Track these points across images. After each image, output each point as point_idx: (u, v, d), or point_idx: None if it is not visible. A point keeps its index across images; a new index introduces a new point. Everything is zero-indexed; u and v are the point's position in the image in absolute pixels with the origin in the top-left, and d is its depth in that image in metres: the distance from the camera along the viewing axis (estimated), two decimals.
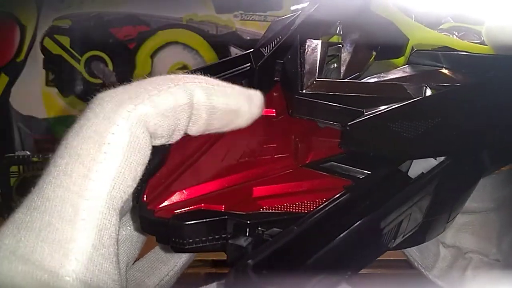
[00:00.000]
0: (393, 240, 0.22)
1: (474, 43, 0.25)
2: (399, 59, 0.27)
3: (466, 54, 0.24)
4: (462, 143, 0.24)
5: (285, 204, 0.22)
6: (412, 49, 0.25)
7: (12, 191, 0.59)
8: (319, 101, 0.23)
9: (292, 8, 0.28)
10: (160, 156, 0.23)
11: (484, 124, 0.24)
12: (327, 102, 0.23)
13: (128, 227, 0.25)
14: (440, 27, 0.27)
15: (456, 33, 0.26)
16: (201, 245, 0.21)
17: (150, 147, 0.19)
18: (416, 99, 0.22)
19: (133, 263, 0.25)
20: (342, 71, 0.25)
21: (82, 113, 0.19)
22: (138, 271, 0.26)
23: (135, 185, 0.19)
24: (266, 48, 0.27)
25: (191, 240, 0.20)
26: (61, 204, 0.17)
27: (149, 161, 0.21)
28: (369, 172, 0.23)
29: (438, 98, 0.23)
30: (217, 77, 0.27)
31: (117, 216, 0.18)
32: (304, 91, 0.24)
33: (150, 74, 0.24)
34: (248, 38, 0.65)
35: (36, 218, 0.17)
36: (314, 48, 0.26)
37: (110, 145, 0.18)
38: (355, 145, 0.23)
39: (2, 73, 0.62)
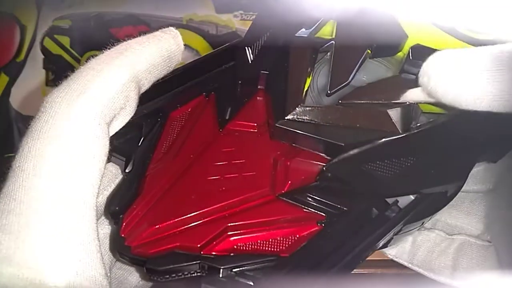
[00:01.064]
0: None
1: None
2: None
3: None
4: (436, 180, 0.23)
5: (259, 241, 0.22)
6: (409, 53, 0.25)
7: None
8: (300, 132, 0.23)
9: None
10: (136, 185, 0.24)
11: (460, 158, 0.23)
12: (308, 134, 0.23)
13: (106, 226, 0.25)
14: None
15: None
16: (176, 278, 0.21)
17: (107, 138, 0.20)
18: (389, 138, 0.22)
19: (115, 261, 0.25)
20: (331, 70, 0.25)
21: (37, 116, 0.20)
22: (120, 269, 0.26)
23: (101, 177, 0.20)
24: (252, 48, 0.26)
25: (167, 276, 0.21)
26: (36, 206, 0.18)
27: (124, 187, 0.23)
28: (343, 208, 0.23)
29: (411, 139, 0.22)
30: (198, 78, 0.27)
31: (91, 210, 0.19)
32: (286, 118, 0.24)
33: None
34: None
35: (13, 221, 0.18)
36: (302, 58, 0.25)
37: (72, 144, 0.19)
38: (332, 182, 0.23)
39: (2, 73, 0.62)
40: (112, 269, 0.25)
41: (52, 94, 0.20)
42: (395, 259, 0.29)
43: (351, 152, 0.22)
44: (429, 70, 0.21)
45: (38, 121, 0.20)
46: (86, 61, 0.22)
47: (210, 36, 0.64)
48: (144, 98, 0.24)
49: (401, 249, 0.29)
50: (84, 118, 0.19)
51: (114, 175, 0.25)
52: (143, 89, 0.23)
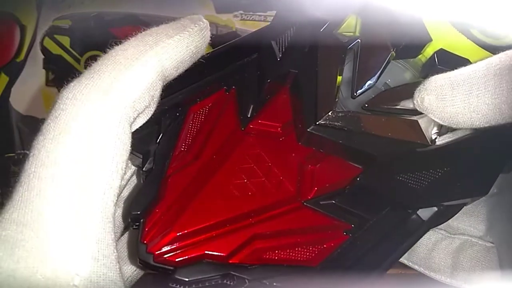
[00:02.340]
0: None
1: None
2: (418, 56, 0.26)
3: None
4: (462, 193, 0.23)
5: (286, 250, 0.22)
6: (434, 58, 0.25)
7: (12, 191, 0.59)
8: (332, 139, 0.23)
9: None
10: (157, 187, 0.23)
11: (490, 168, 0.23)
12: (341, 142, 0.23)
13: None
14: None
15: None
16: (201, 286, 0.21)
17: (130, 142, 0.19)
18: (424, 149, 0.22)
19: None
20: (356, 71, 0.24)
21: (55, 114, 0.18)
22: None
23: (121, 182, 0.19)
24: (278, 41, 0.25)
25: (194, 286, 0.21)
26: (54, 220, 0.17)
27: (144, 189, 0.22)
28: (369, 218, 0.23)
29: (443, 151, 0.22)
30: (220, 71, 0.26)
31: (111, 222, 0.18)
32: (318, 123, 0.23)
33: None
34: None
35: (30, 237, 0.17)
36: (331, 58, 0.24)
37: (95, 150, 0.18)
38: (361, 191, 0.23)
39: (2, 73, 0.62)
40: None
41: (73, 89, 0.18)
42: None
43: (387, 162, 0.22)
44: (422, 93, 0.21)
45: (58, 121, 0.18)
46: (109, 47, 0.19)
47: (210, 36, 0.64)
48: (162, 92, 0.22)
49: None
50: (109, 121, 0.18)
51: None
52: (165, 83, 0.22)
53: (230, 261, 0.21)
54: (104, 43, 0.66)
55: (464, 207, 0.29)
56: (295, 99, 0.25)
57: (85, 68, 0.20)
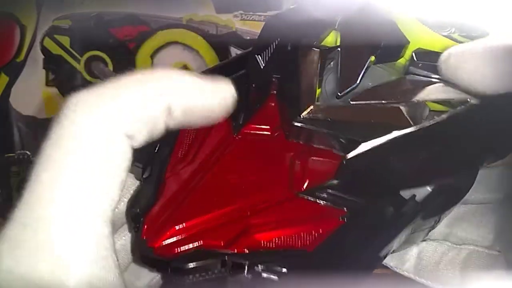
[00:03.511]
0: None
1: None
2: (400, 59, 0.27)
3: None
4: (459, 167, 0.23)
5: (282, 237, 0.23)
6: (413, 56, 0.25)
7: (12, 191, 0.59)
8: (316, 129, 0.24)
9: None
10: (155, 189, 0.24)
11: (481, 147, 0.24)
12: (325, 130, 0.24)
13: (123, 237, 0.25)
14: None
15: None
16: (201, 279, 0.21)
17: (130, 152, 0.20)
18: (408, 130, 0.22)
19: (126, 268, 0.25)
20: (339, 75, 0.26)
21: (59, 120, 0.19)
22: (127, 273, 0.26)
23: (120, 192, 0.19)
24: (262, 55, 0.27)
25: (191, 276, 0.21)
26: (53, 222, 0.18)
27: (143, 191, 0.23)
28: (363, 202, 0.23)
29: (428, 130, 0.23)
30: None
31: (109, 227, 0.19)
32: (301, 117, 0.24)
33: None
34: (248, 38, 0.64)
35: (30, 237, 0.17)
36: (312, 61, 0.26)
37: (95, 157, 0.18)
38: (351, 177, 0.23)
39: (2, 73, 0.62)
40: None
41: (79, 99, 0.19)
42: (400, 272, 0.29)
43: (370, 146, 0.23)
44: (446, 57, 0.22)
45: (61, 126, 0.18)
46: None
47: (210, 36, 0.64)
48: None
49: (407, 262, 0.29)
50: (111, 130, 0.19)
51: (129, 184, 0.25)
52: (172, 124, 0.22)
53: (228, 249, 0.22)
54: (104, 43, 0.67)
55: (473, 219, 0.29)
56: (281, 102, 0.26)
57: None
